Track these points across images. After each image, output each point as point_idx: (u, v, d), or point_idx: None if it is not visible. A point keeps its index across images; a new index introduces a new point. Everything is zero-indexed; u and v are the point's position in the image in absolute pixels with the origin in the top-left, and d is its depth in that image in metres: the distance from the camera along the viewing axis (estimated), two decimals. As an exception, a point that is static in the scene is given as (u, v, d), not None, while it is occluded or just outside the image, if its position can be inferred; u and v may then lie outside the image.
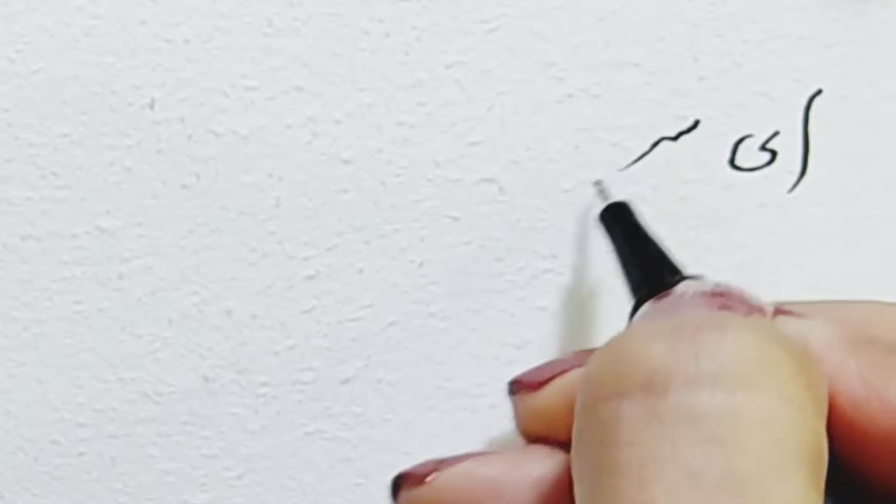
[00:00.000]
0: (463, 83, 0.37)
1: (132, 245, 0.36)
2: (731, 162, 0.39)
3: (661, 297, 0.30)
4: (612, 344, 0.26)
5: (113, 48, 0.36)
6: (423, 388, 0.37)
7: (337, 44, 0.36)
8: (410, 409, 0.37)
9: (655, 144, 0.38)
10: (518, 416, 0.33)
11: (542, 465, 0.30)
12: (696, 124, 0.38)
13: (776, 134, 0.39)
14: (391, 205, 0.37)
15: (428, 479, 0.31)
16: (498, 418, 0.37)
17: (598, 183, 0.37)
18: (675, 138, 0.38)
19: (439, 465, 0.31)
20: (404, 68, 0.37)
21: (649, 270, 0.33)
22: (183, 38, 0.36)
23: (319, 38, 0.36)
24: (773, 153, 0.39)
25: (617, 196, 0.37)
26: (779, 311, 0.29)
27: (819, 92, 0.39)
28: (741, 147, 0.39)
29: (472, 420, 0.37)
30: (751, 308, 0.28)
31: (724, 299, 0.28)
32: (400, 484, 0.32)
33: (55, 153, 0.35)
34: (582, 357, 0.31)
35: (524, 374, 0.33)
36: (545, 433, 0.31)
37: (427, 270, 0.37)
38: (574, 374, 0.31)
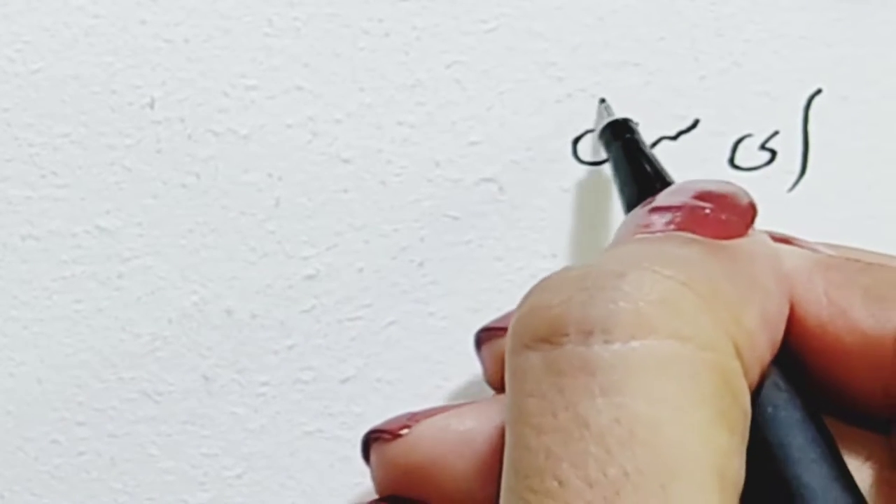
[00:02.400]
0: (463, 83, 0.37)
1: (132, 245, 0.36)
2: (731, 161, 0.39)
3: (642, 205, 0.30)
4: (527, 294, 0.27)
5: (113, 48, 0.36)
6: (423, 387, 0.37)
7: (337, 44, 0.36)
8: (410, 409, 0.37)
9: (655, 144, 0.38)
10: (485, 365, 0.33)
11: None
12: (695, 124, 0.38)
13: (776, 133, 0.39)
14: (391, 205, 0.37)
15: (402, 432, 0.31)
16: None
17: (602, 101, 0.37)
18: (675, 138, 0.38)
19: (411, 419, 0.31)
20: (404, 68, 0.37)
21: (644, 186, 0.33)
22: (183, 38, 0.36)
23: (319, 38, 0.36)
24: (773, 153, 0.39)
25: (619, 114, 0.37)
26: (773, 238, 0.29)
27: (819, 91, 0.39)
28: (741, 146, 0.39)
29: (472, 420, 0.37)
30: (717, 219, 0.28)
31: (683, 213, 0.28)
32: (372, 440, 0.32)
33: (55, 153, 0.35)
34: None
35: (491, 322, 0.33)
36: None
37: (427, 270, 0.37)
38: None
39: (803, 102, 0.39)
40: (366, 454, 0.32)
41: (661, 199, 0.29)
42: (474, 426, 0.30)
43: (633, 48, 0.38)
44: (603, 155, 0.37)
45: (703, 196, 0.29)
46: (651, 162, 0.34)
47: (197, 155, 0.36)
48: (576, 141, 0.38)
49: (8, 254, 0.35)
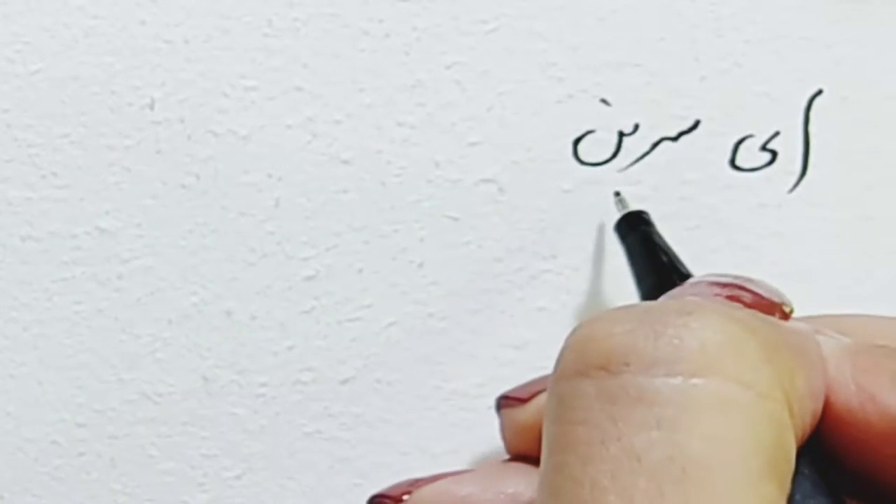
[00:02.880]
0: (462, 83, 0.37)
1: (132, 246, 0.36)
2: (732, 162, 0.39)
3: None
4: (582, 324, 0.26)
5: (113, 48, 0.36)
6: (423, 388, 0.37)
7: (337, 44, 0.36)
8: (409, 410, 0.37)
9: (656, 144, 0.38)
10: (504, 431, 0.33)
11: (516, 482, 0.30)
12: (696, 124, 0.38)
13: (777, 134, 0.39)
14: (391, 205, 0.37)
15: (404, 497, 0.31)
16: (497, 418, 0.37)
17: (617, 193, 0.37)
18: (675, 138, 0.38)
19: (413, 485, 0.31)
20: (404, 68, 0.37)
21: (661, 279, 0.33)
22: (183, 38, 0.36)
23: (319, 39, 0.36)
24: (774, 153, 0.39)
25: (634, 206, 0.37)
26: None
27: (819, 92, 0.39)
28: (741, 147, 0.39)
29: (472, 420, 0.37)
30: (759, 302, 0.28)
31: (722, 289, 0.28)
32: None
33: (55, 153, 0.35)
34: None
35: (511, 390, 0.33)
36: (529, 449, 0.31)
37: (427, 270, 0.37)
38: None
39: (804, 103, 0.39)
40: None
41: (704, 278, 0.29)
42: (473, 492, 0.30)
43: (633, 48, 0.38)
44: (603, 156, 0.37)
45: (741, 286, 0.29)
46: (668, 253, 0.34)
47: (197, 155, 0.36)
48: (576, 142, 0.38)
49: (8, 255, 0.35)
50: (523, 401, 0.30)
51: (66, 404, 0.36)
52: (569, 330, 0.38)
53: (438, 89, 0.37)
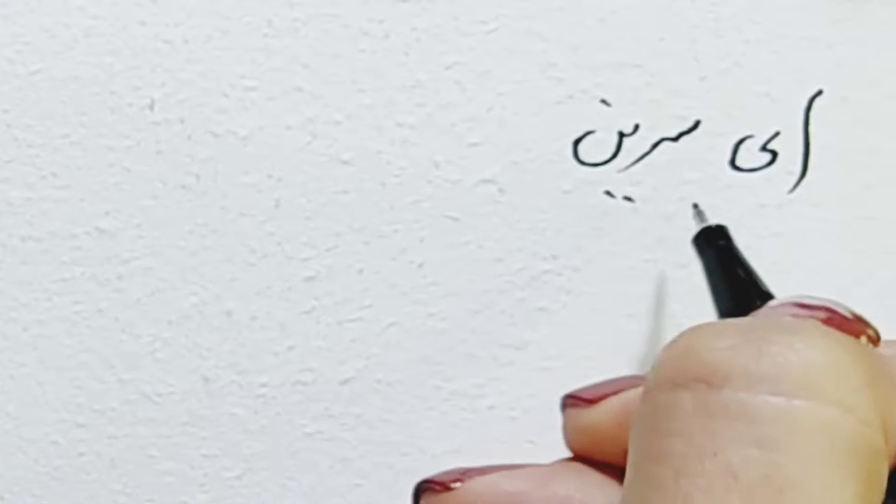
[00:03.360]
0: (462, 84, 0.37)
1: (132, 245, 0.36)
2: (732, 162, 0.39)
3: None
4: (682, 334, 0.26)
5: (113, 48, 0.36)
6: (423, 388, 0.37)
7: (337, 44, 0.36)
8: (410, 410, 0.37)
9: (656, 145, 0.38)
10: (567, 430, 0.33)
11: (568, 484, 0.30)
12: (696, 125, 0.38)
13: (777, 134, 0.39)
14: (391, 205, 0.37)
15: (453, 486, 0.30)
16: (497, 419, 0.37)
17: (695, 206, 0.37)
18: (675, 139, 0.38)
19: (465, 474, 0.31)
20: (404, 69, 0.37)
21: (740, 297, 0.33)
22: (183, 38, 0.36)
23: (319, 39, 0.36)
24: (774, 154, 0.39)
25: (713, 220, 0.37)
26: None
27: (820, 92, 0.39)
28: (742, 147, 0.39)
29: (472, 420, 0.37)
30: (848, 326, 0.28)
31: (814, 311, 0.28)
32: (423, 490, 0.31)
33: (55, 153, 0.35)
34: (640, 379, 0.30)
35: (580, 390, 0.32)
36: (591, 451, 0.31)
37: (427, 271, 0.37)
38: (630, 394, 0.30)
39: (804, 103, 0.39)
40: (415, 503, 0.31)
41: (791, 299, 0.29)
42: (525, 490, 0.30)
43: (633, 49, 0.38)
44: (603, 156, 0.37)
45: (827, 309, 0.28)
46: (747, 270, 0.34)
47: (196, 156, 0.36)
48: (576, 142, 0.38)
49: (8, 255, 0.35)
50: (591, 402, 0.29)
51: (66, 404, 0.36)
52: (569, 330, 0.38)
53: (438, 90, 0.37)
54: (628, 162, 0.38)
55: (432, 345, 0.37)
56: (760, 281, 0.34)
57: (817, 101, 0.39)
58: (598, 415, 0.31)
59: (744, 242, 0.39)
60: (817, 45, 0.39)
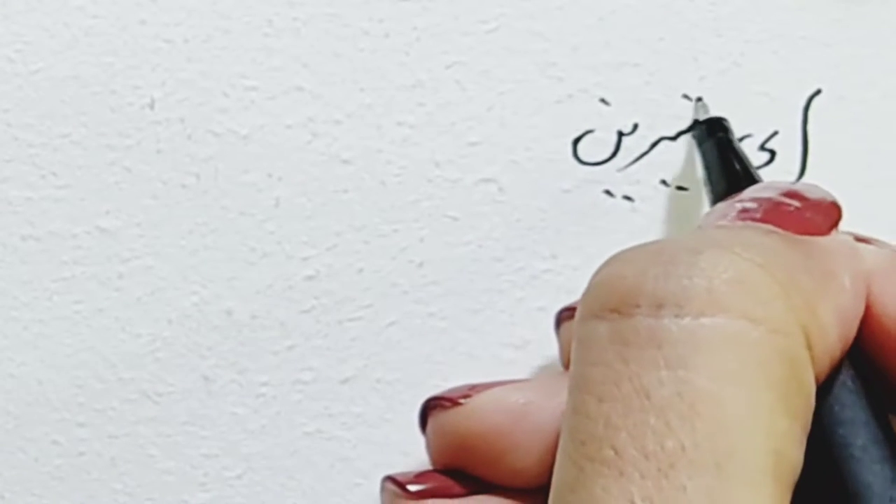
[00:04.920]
0: (463, 83, 0.37)
1: (132, 245, 0.36)
2: (731, 162, 0.39)
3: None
4: (603, 264, 0.27)
5: (113, 48, 0.36)
6: (423, 388, 0.37)
7: (337, 44, 0.36)
8: (410, 410, 0.37)
9: (655, 144, 0.38)
10: (561, 345, 0.33)
11: None
12: (696, 124, 0.38)
13: (775, 134, 0.39)
14: (391, 205, 0.37)
15: (461, 401, 0.31)
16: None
17: (699, 99, 0.37)
18: (674, 138, 0.38)
19: (472, 389, 0.31)
20: (404, 68, 0.37)
21: (732, 184, 0.33)
22: (183, 38, 0.36)
23: (319, 39, 0.36)
24: (773, 153, 0.39)
25: (714, 113, 0.37)
26: (856, 238, 0.29)
27: (818, 92, 0.39)
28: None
29: (472, 420, 0.37)
30: (804, 214, 0.28)
31: (750, 212, 0.28)
32: (430, 407, 0.32)
33: (55, 153, 0.35)
34: None
35: (571, 303, 0.33)
36: None
37: (427, 270, 0.37)
38: None
39: (803, 103, 0.39)
40: (423, 422, 0.32)
41: (748, 193, 0.29)
42: (533, 399, 0.30)
43: (633, 48, 0.38)
44: (602, 156, 0.37)
45: (789, 194, 0.29)
46: (742, 161, 0.34)
47: (197, 155, 0.36)
48: (576, 141, 0.38)
49: (8, 254, 0.35)
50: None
51: (66, 404, 0.36)
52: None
53: (438, 89, 0.37)
54: (628, 161, 0.38)
55: (432, 344, 0.37)
56: (756, 174, 0.34)
57: (816, 100, 0.39)
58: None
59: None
60: (816, 45, 0.39)
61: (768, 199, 0.28)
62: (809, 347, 0.25)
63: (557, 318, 0.34)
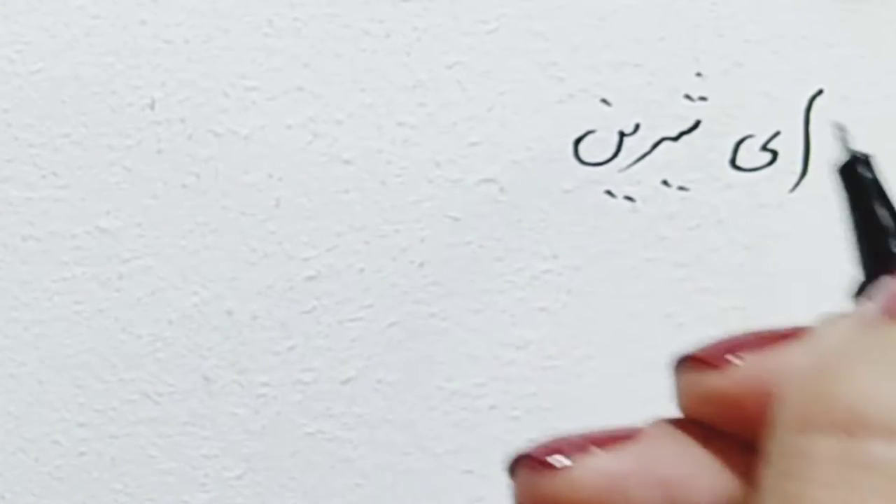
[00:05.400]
0: (463, 83, 0.37)
1: (132, 245, 0.36)
2: (732, 162, 0.39)
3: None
4: (817, 370, 0.25)
5: (113, 48, 0.36)
6: (424, 388, 0.37)
7: (337, 44, 0.36)
8: (411, 410, 0.37)
9: (656, 144, 0.38)
10: (683, 394, 0.30)
11: (676, 462, 0.28)
12: (696, 124, 0.38)
13: (777, 134, 0.39)
14: (391, 205, 0.37)
15: (553, 462, 0.29)
16: (499, 418, 0.37)
17: (841, 128, 0.35)
18: (675, 138, 0.38)
19: (567, 446, 0.29)
20: (405, 69, 0.37)
21: (880, 239, 0.31)
22: (183, 38, 0.36)
23: (320, 39, 0.36)
24: (774, 153, 0.39)
25: (859, 148, 0.35)
26: None
27: (820, 92, 0.39)
28: (742, 147, 0.39)
29: (473, 420, 0.37)
30: None
31: None
32: (519, 465, 0.30)
33: (55, 153, 0.35)
34: (765, 339, 0.28)
35: (701, 351, 0.30)
36: (709, 416, 0.29)
37: (427, 270, 0.37)
38: (764, 361, 0.29)
39: (804, 103, 0.39)
40: (511, 473, 0.30)
41: None
42: (632, 469, 0.28)
43: (633, 48, 0.38)
44: (603, 156, 0.37)
45: None
46: (893, 211, 0.32)
47: (197, 155, 0.36)
48: (577, 141, 0.38)
49: (8, 255, 0.35)
50: (718, 366, 0.28)
51: (66, 404, 0.36)
52: (569, 330, 0.38)
53: (439, 89, 0.37)
54: (629, 161, 0.38)
55: (433, 345, 0.37)
56: None
57: (817, 100, 0.39)
58: (722, 380, 0.29)
59: (744, 242, 0.39)
60: (817, 45, 0.39)
61: None
62: None
63: (677, 363, 0.31)
